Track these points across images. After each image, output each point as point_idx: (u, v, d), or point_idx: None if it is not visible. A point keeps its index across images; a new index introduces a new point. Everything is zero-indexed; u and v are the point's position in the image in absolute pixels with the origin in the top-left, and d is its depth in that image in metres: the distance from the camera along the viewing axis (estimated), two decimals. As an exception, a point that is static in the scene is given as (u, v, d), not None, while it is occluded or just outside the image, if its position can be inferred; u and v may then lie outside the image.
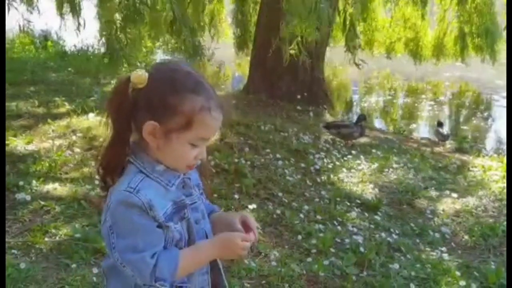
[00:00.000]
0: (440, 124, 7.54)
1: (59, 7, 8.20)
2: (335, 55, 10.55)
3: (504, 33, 8.67)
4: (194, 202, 1.58)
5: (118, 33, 6.09)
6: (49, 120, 5.69)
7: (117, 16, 6.08)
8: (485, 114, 10.89)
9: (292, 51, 6.02)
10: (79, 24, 6.35)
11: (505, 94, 11.29)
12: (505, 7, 8.42)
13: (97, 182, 4.32)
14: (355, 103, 10.76)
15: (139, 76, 1.44)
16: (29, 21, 7.42)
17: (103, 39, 6.52)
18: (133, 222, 1.43)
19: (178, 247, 1.51)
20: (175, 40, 6.19)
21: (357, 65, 8.32)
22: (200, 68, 8.85)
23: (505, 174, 5.79)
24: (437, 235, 4.27)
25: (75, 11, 6.58)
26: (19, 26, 7.00)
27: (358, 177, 5.39)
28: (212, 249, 1.54)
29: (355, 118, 6.92)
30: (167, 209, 1.48)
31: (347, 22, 8.33)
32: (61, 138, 5.30)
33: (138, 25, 5.79)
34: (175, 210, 1.50)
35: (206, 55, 5.73)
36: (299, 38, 5.71)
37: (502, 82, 12.01)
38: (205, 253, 1.54)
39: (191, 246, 1.53)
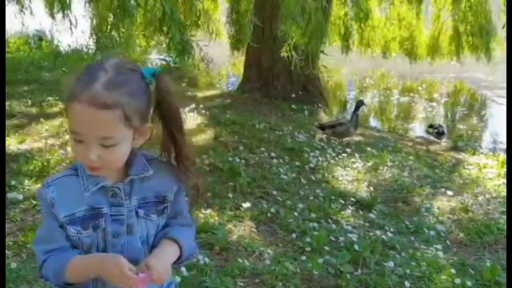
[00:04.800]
0: (431, 127, 7.58)
1: (50, 6, 8.16)
2: (331, 55, 10.52)
3: (500, 32, 8.68)
4: (120, 214, 1.47)
5: (109, 31, 6.06)
6: (42, 120, 5.66)
7: (108, 14, 6.05)
8: (480, 112, 10.89)
9: (285, 53, 5.97)
10: (70, 23, 6.30)
11: (500, 92, 11.31)
12: (500, 5, 8.43)
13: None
14: (350, 102, 10.74)
15: None
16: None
17: (94, 37, 6.49)
18: (43, 214, 1.46)
19: (89, 252, 1.46)
20: (163, 38, 6.14)
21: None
22: (190, 67, 8.83)
23: (500, 172, 5.79)
24: (432, 232, 4.24)
25: (66, 10, 6.53)
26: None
27: (352, 175, 5.37)
28: (98, 265, 1.42)
29: (349, 117, 6.88)
30: (76, 212, 1.43)
31: (342, 22, 8.32)
32: (54, 138, 5.27)
33: (129, 23, 5.76)
34: (89, 216, 1.44)
35: (196, 53, 5.69)
36: (291, 41, 5.67)
37: (497, 80, 12.03)
38: (93, 267, 1.43)
39: (87, 254, 1.46)
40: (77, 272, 1.44)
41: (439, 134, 7.38)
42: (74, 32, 6.57)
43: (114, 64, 1.38)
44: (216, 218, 4.00)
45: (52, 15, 8.47)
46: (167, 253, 1.49)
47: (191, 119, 6.43)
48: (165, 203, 1.53)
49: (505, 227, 4.38)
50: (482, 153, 7.01)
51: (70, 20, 5.97)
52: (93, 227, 1.44)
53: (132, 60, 1.47)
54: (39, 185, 4.10)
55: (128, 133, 1.38)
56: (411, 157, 6.13)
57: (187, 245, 1.54)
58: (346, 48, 10.13)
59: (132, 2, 4.97)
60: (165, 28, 4.96)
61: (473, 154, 6.74)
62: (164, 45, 9.31)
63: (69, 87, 1.35)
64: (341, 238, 3.89)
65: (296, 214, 4.26)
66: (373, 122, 9.53)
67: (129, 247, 1.48)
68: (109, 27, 5.60)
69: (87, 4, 6.23)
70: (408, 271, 3.53)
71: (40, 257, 1.45)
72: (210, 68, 9.38)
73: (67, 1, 5.34)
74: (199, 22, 7.29)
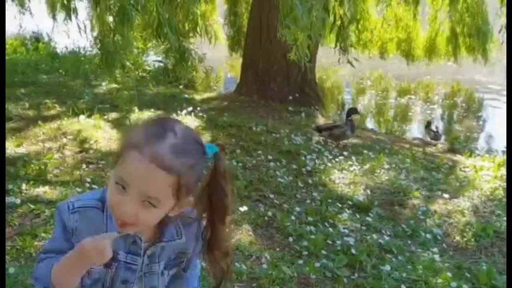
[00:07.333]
0: (429, 124, 7.57)
1: (52, 9, 8.19)
2: (328, 56, 10.56)
3: (497, 33, 8.71)
4: (134, 264, 1.45)
5: (112, 35, 6.06)
6: (39, 123, 5.66)
7: (110, 19, 6.06)
8: (477, 114, 10.91)
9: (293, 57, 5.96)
10: (79, 28, 6.31)
11: (497, 93, 11.34)
12: (497, 7, 8.45)
13: (87, 184, 4.32)
14: (347, 104, 10.74)
15: None
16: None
17: (97, 42, 6.49)
18: (57, 230, 1.43)
19: (95, 286, 1.44)
20: (161, 45, 6.15)
21: (350, 63, 8.30)
22: (188, 73, 8.83)
23: (497, 174, 5.80)
24: (428, 236, 4.26)
25: (70, 14, 6.54)
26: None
27: (349, 178, 5.38)
28: (78, 252, 1.34)
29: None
30: None
31: (339, 23, 8.32)
32: (52, 141, 5.28)
33: (129, 28, 5.77)
34: None
35: (195, 59, 5.70)
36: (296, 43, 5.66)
37: (494, 81, 12.07)
38: (74, 255, 1.35)
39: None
40: (60, 270, 1.36)
41: (435, 132, 7.40)
42: (73, 35, 6.60)
43: (183, 130, 1.37)
44: (214, 222, 4.01)
45: (53, 17, 8.49)
46: None
47: (188, 122, 6.44)
48: (183, 258, 1.54)
49: (502, 229, 4.41)
50: (478, 155, 7.01)
51: (78, 25, 6.00)
52: (105, 265, 1.41)
53: (197, 132, 1.48)
54: (37, 189, 4.12)
55: (171, 202, 1.36)
56: (408, 160, 6.13)
57: None
58: (343, 49, 10.13)
59: (130, 7, 4.97)
60: (162, 35, 4.97)
61: (470, 156, 6.73)
62: (162, 47, 9.35)
63: (133, 134, 1.35)
64: (338, 242, 3.90)
65: (293, 217, 4.27)
66: (370, 124, 9.53)
67: None
68: (111, 31, 5.60)
69: (88, 8, 6.24)
70: (404, 274, 3.54)
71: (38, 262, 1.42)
72: (208, 70, 9.41)
73: (72, 6, 5.33)
74: (197, 27, 7.31)
